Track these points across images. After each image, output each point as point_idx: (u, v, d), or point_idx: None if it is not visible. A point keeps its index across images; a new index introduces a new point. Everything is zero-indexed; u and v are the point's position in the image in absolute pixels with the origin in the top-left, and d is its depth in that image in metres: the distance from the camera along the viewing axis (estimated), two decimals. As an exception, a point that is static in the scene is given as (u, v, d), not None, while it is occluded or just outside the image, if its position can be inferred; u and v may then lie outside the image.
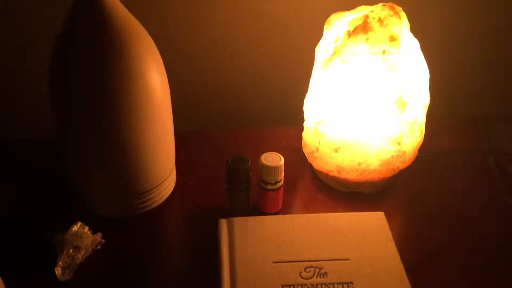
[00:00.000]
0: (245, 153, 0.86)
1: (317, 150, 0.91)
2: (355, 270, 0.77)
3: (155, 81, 0.79)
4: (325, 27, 0.88)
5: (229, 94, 1.15)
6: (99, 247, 0.83)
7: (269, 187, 0.85)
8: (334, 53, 0.84)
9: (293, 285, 0.75)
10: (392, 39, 0.81)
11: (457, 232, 0.88)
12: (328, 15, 0.88)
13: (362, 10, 0.85)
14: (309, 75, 0.91)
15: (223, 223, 0.84)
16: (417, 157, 0.93)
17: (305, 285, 0.75)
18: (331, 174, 0.92)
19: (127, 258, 0.84)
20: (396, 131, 0.86)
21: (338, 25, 0.86)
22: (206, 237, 0.85)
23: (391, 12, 0.82)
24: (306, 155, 0.95)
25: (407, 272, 0.77)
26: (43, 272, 0.79)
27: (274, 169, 0.84)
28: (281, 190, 0.87)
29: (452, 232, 0.88)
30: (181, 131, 0.92)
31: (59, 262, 0.79)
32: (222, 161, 0.86)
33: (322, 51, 0.88)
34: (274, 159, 0.84)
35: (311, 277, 0.77)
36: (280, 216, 0.87)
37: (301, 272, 0.77)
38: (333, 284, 0.76)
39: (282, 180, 0.86)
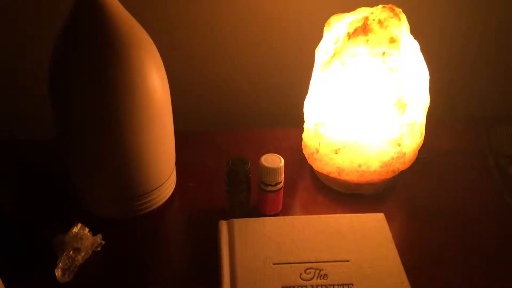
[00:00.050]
0: (245, 154, 0.86)
1: (317, 151, 0.91)
2: (355, 271, 0.77)
3: (155, 82, 0.79)
4: (325, 28, 0.88)
5: (229, 95, 1.15)
6: (99, 249, 0.83)
7: (269, 188, 0.85)
8: (334, 55, 0.84)
9: (293, 287, 0.75)
10: (392, 40, 0.81)
11: (457, 233, 0.88)
12: (328, 16, 0.88)
13: (362, 12, 0.85)
14: (309, 77, 0.91)
15: (223, 225, 0.84)
16: (417, 158, 0.93)
17: (305, 286, 0.75)
18: (331, 175, 0.92)
19: (127, 259, 0.84)
20: (396, 132, 0.86)
21: (338, 26, 0.86)
22: (206, 238, 0.85)
23: (391, 14, 0.82)
24: (306, 157, 0.95)
25: (407, 273, 0.77)
26: (43, 273, 0.79)
27: (274, 171, 0.84)
28: (281, 191, 0.87)
29: (452, 233, 0.88)
30: (181, 132, 0.92)
31: (59, 264, 0.79)
32: (222, 163, 0.86)
33: (322, 52, 0.88)
34: (274, 161, 0.84)
35: (311, 279, 0.77)
36: (280, 218, 0.87)
37: (301, 274, 0.77)
38: (333, 285, 0.76)
39: (282, 181, 0.86)
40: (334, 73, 0.85)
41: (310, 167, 0.97)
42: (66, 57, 0.76)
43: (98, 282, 0.81)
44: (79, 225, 0.82)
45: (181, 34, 1.06)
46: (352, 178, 0.91)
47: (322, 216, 0.86)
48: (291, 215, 0.90)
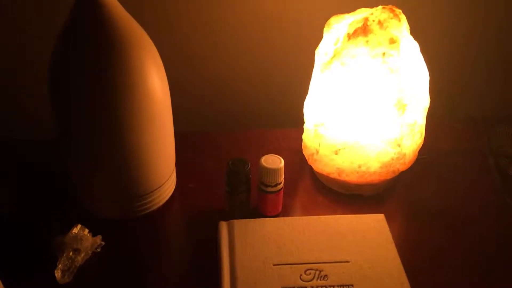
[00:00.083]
0: (245, 155, 0.86)
1: (317, 152, 0.91)
2: (355, 272, 0.77)
3: (155, 83, 0.79)
4: (325, 29, 0.88)
5: (229, 96, 1.15)
6: (99, 250, 0.83)
7: (269, 189, 0.85)
8: (334, 56, 0.84)
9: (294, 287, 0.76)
10: (392, 41, 0.81)
11: (457, 233, 0.88)
12: (328, 17, 0.88)
13: (362, 13, 0.85)
14: (309, 77, 0.91)
15: (223, 226, 0.84)
16: (417, 159, 0.93)
17: (305, 287, 0.75)
18: (331, 176, 0.92)
19: (127, 260, 0.84)
20: (396, 133, 0.86)
21: (338, 27, 0.86)
22: (206, 239, 0.85)
23: (391, 15, 0.82)
24: (306, 157, 0.95)
25: (407, 274, 0.77)
26: (43, 274, 0.79)
27: (274, 171, 0.83)
28: (281, 192, 0.87)
29: (452, 234, 0.88)
30: (181, 133, 0.92)
31: (59, 265, 0.79)
32: (222, 163, 0.86)
33: (322, 53, 0.88)
34: (274, 161, 0.84)
35: (312, 280, 0.77)
36: (280, 219, 0.87)
37: (301, 275, 0.77)
38: (333, 286, 0.76)
39: (282, 182, 0.86)
40: (334, 74, 0.85)
41: (310, 167, 0.97)
42: (66, 57, 0.75)
43: (98, 283, 0.81)
44: (79, 226, 0.82)
45: (180, 34, 1.06)
46: (352, 178, 0.91)
47: (322, 217, 0.86)
48: (291, 216, 0.90)
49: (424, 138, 0.92)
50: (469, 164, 1.01)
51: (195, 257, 0.84)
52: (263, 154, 0.85)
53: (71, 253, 0.80)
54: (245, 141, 1.06)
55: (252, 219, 0.85)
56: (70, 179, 0.87)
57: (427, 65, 0.88)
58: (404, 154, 0.89)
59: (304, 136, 0.95)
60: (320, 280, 0.76)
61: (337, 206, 0.93)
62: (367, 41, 0.81)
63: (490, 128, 1.07)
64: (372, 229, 0.84)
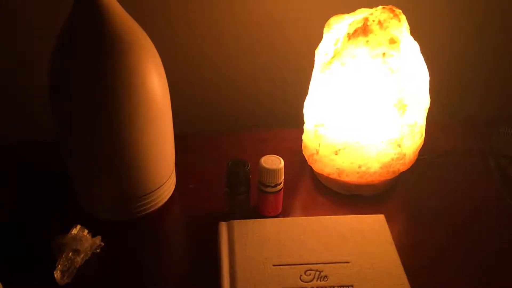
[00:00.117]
0: (245, 155, 0.86)
1: (317, 152, 0.91)
2: (355, 273, 0.77)
3: (155, 84, 0.79)
4: (325, 29, 0.88)
5: (229, 96, 1.15)
6: (98, 251, 0.83)
7: (269, 190, 0.85)
8: (334, 56, 0.84)
9: (293, 288, 0.75)
10: (392, 41, 0.81)
11: (458, 234, 0.88)
12: (328, 17, 0.88)
13: (362, 13, 0.85)
14: (309, 78, 0.91)
15: (223, 226, 0.84)
16: (417, 159, 0.93)
17: (305, 288, 0.76)
18: (331, 176, 0.92)
19: (126, 261, 0.84)
20: (396, 133, 0.86)
21: (338, 27, 0.86)
22: (206, 240, 0.85)
23: (391, 15, 0.82)
24: (306, 158, 0.95)
25: (407, 274, 0.77)
26: (43, 274, 0.79)
27: (274, 172, 0.83)
28: (281, 193, 0.87)
29: (452, 235, 0.88)
30: (181, 134, 0.92)
31: (58, 266, 0.78)
32: (222, 164, 0.86)
33: (322, 53, 0.88)
34: (274, 162, 0.84)
35: (312, 280, 0.77)
36: (280, 219, 0.87)
37: (301, 275, 0.77)
38: (333, 287, 0.76)
39: (282, 183, 0.86)
40: (334, 74, 0.85)
41: (310, 168, 0.97)
42: (65, 57, 0.75)
43: (97, 284, 0.81)
44: (78, 226, 0.82)
45: (180, 35, 1.06)
46: (352, 179, 0.91)
47: (322, 218, 0.86)
48: (291, 216, 0.90)
49: (424, 138, 0.92)
50: (469, 165, 1.01)
51: (195, 258, 0.84)
52: (263, 155, 0.85)
53: (70, 254, 0.80)
54: (245, 141, 1.06)
55: (252, 220, 0.85)
56: (70, 180, 0.87)
57: (427, 65, 0.88)
58: (404, 155, 0.89)
59: (304, 136, 0.95)
60: (320, 280, 0.76)
61: (337, 206, 0.93)
62: (367, 41, 0.81)
63: (491, 128, 1.07)
64: (372, 230, 0.84)
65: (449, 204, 0.93)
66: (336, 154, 0.89)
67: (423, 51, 0.87)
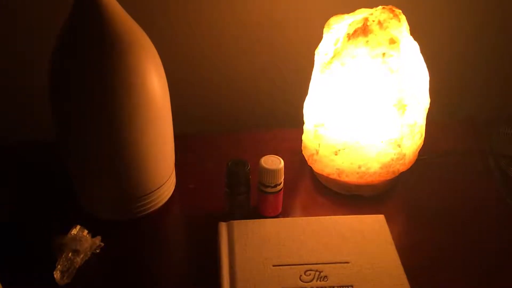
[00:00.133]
0: (245, 156, 0.86)
1: (317, 153, 0.91)
2: (355, 273, 0.77)
3: (154, 84, 0.79)
4: (325, 30, 0.88)
5: (229, 96, 1.15)
6: (98, 251, 0.83)
7: (269, 190, 0.85)
8: (334, 56, 0.84)
9: (293, 289, 0.75)
10: (392, 41, 0.81)
11: (458, 234, 0.88)
12: (327, 17, 0.88)
13: (362, 13, 0.85)
14: (309, 78, 0.91)
15: (223, 226, 0.84)
16: (417, 159, 0.93)
17: (305, 288, 0.76)
18: (331, 177, 0.92)
19: (126, 261, 0.84)
20: (396, 133, 0.86)
21: (338, 28, 0.86)
22: (205, 240, 0.85)
23: (391, 15, 0.82)
24: (306, 158, 0.95)
25: (407, 274, 0.77)
26: (43, 274, 0.79)
27: (274, 172, 0.83)
28: (281, 193, 0.87)
29: (452, 235, 0.88)
30: (181, 134, 0.92)
31: (58, 266, 0.78)
32: (222, 164, 0.86)
33: (322, 53, 0.88)
34: (274, 162, 0.84)
35: (311, 280, 0.77)
36: (280, 219, 0.87)
37: (301, 276, 0.77)
38: (333, 287, 0.76)
39: (282, 183, 0.86)
40: (334, 74, 0.84)
41: (310, 168, 0.97)
42: (65, 58, 0.75)
43: (97, 284, 0.81)
44: (78, 227, 0.82)
45: (180, 35, 1.06)
46: (352, 179, 0.91)
47: (322, 218, 0.86)
48: (291, 216, 0.90)
49: (424, 138, 0.92)
50: (469, 165, 1.01)
51: (195, 258, 0.84)
52: (263, 155, 0.85)
53: (70, 254, 0.80)
54: (245, 141, 1.06)
55: (252, 220, 0.85)
56: (70, 180, 0.87)
57: (427, 65, 0.88)
58: (404, 155, 0.89)
59: (304, 136, 0.95)
60: (320, 281, 0.76)
61: (337, 206, 0.93)
62: (367, 42, 0.81)
63: (490, 128, 1.07)
64: (372, 230, 0.84)
65: (449, 204, 0.93)
66: (336, 155, 0.89)
67: (423, 51, 0.87)
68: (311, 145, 0.92)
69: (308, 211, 0.92)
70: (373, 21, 0.82)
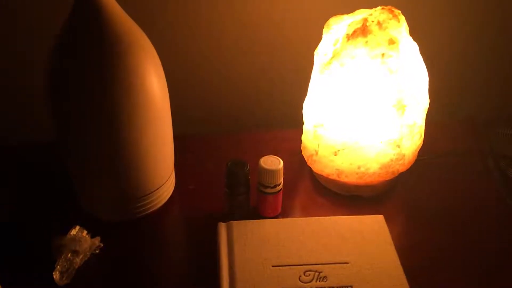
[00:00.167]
0: (244, 156, 0.86)
1: (317, 153, 0.91)
2: (354, 273, 0.77)
3: (154, 85, 0.79)
4: (324, 30, 0.88)
5: (228, 97, 1.15)
6: (97, 251, 0.83)
7: (269, 190, 0.85)
8: (333, 56, 0.84)
9: (292, 289, 0.75)
10: (391, 42, 0.81)
11: (457, 234, 0.88)
12: (327, 18, 0.88)
13: (361, 13, 0.85)
14: (308, 78, 0.91)
15: (222, 227, 0.84)
16: (416, 160, 0.93)
17: (304, 289, 0.76)
18: (331, 177, 0.92)
19: (125, 262, 0.84)
20: (395, 134, 0.86)
21: (337, 28, 0.86)
22: (205, 241, 0.85)
23: (390, 15, 0.82)
24: (306, 158, 0.95)
25: (406, 275, 0.77)
26: (43, 274, 0.79)
27: (273, 173, 0.83)
28: (281, 193, 0.87)
29: (452, 235, 0.87)
30: (181, 134, 0.92)
31: (57, 266, 0.78)
32: (221, 165, 0.86)
33: (321, 54, 0.88)
34: (273, 163, 0.84)
35: (311, 281, 0.77)
36: (280, 220, 0.87)
37: (300, 276, 0.77)
38: (332, 287, 0.76)
39: (282, 183, 0.86)
40: (333, 75, 0.84)
41: (310, 169, 0.97)
42: (65, 58, 0.75)
43: (96, 284, 0.81)
44: (78, 227, 0.82)
45: (179, 35, 1.06)
46: (352, 180, 0.91)
47: (321, 218, 0.86)
48: (291, 217, 0.90)
49: (424, 138, 0.92)
50: (468, 165, 1.01)
51: (194, 258, 0.84)
52: (262, 155, 0.85)
53: (69, 255, 0.80)
54: (244, 142, 1.06)
55: (251, 220, 0.85)
56: (70, 180, 0.87)
57: (426, 66, 0.88)
58: (404, 155, 0.89)
59: (303, 137, 0.95)
60: (320, 281, 0.76)
61: (337, 207, 0.93)
62: (366, 42, 0.81)
63: (490, 129, 1.07)
64: (371, 230, 0.84)
65: (449, 205, 0.93)
66: (335, 155, 0.89)
67: (422, 52, 0.87)
68: (310, 145, 0.92)
69: (307, 212, 0.92)
70: (373, 21, 0.82)
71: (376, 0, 0.87)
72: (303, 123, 0.94)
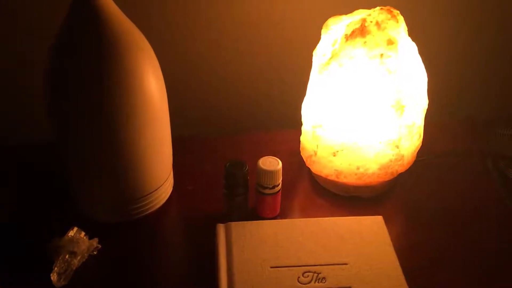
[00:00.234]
0: (243, 157, 0.86)
1: (315, 154, 0.91)
2: (353, 274, 0.77)
3: (152, 86, 0.79)
4: (322, 30, 0.88)
5: (227, 98, 1.15)
6: (95, 253, 0.83)
7: (267, 191, 0.85)
8: (332, 57, 0.84)
9: (291, 290, 0.75)
10: (390, 42, 0.81)
11: (456, 236, 0.88)
12: (325, 18, 0.88)
13: (360, 14, 0.85)
14: (307, 79, 0.91)
15: (221, 228, 0.84)
16: (415, 160, 0.93)
17: (303, 290, 0.75)
18: (330, 178, 0.92)
19: (124, 263, 0.83)
20: (394, 134, 0.86)
21: (336, 28, 0.86)
22: (203, 242, 0.85)
23: (389, 16, 0.82)
24: (304, 159, 0.95)
25: (406, 275, 0.77)
26: (42, 275, 0.79)
27: (272, 173, 0.83)
28: (279, 194, 0.87)
29: (451, 236, 0.87)
30: (179, 135, 0.92)
31: (55, 268, 0.78)
32: (220, 166, 0.85)
33: (320, 54, 0.87)
34: (272, 163, 0.84)
35: (310, 282, 0.76)
36: (278, 221, 0.87)
37: (299, 277, 0.77)
38: (331, 288, 0.76)
39: (280, 184, 0.86)
40: (332, 75, 0.84)
41: (308, 169, 0.97)
42: (63, 58, 0.76)
43: (94, 286, 0.81)
44: (75, 228, 0.82)
45: (178, 36, 1.06)
46: (351, 180, 0.90)
47: (320, 219, 0.86)
48: (289, 218, 0.90)
49: (423, 139, 0.92)
50: (468, 166, 1.00)
51: (192, 259, 0.84)
52: (261, 156, 0.85)
53: (67, 256, 0.79)
54: (243, 143, 1.06)
55: (250, 221, 0.85)
56: (70, 180, 0.87)
57: (425, 66, 0.87)
58: (403, 156, 0.88)
59: (302, 137, 0.95)
60: (318, 282, 0.76)
61: (335, 208, 0.93)
62: (365, 42, 0.81)
63: (489, 129, 1.06)
64: (370, 231, 0.84)
65: (448, 205, 0.92)
66: (334, 156, 0.89)
67: (421, 52, 0.87)
68: (309, 146, 0.92)
69: (306, 213, 0.92)
70: (371, 22, 0.81)
71: (375, 0, 0.87)
72: (301, 124, 0.94)
